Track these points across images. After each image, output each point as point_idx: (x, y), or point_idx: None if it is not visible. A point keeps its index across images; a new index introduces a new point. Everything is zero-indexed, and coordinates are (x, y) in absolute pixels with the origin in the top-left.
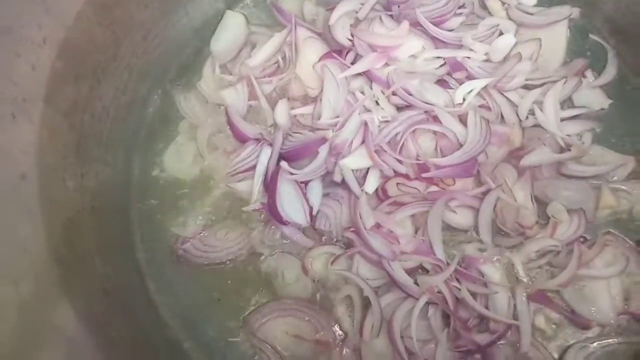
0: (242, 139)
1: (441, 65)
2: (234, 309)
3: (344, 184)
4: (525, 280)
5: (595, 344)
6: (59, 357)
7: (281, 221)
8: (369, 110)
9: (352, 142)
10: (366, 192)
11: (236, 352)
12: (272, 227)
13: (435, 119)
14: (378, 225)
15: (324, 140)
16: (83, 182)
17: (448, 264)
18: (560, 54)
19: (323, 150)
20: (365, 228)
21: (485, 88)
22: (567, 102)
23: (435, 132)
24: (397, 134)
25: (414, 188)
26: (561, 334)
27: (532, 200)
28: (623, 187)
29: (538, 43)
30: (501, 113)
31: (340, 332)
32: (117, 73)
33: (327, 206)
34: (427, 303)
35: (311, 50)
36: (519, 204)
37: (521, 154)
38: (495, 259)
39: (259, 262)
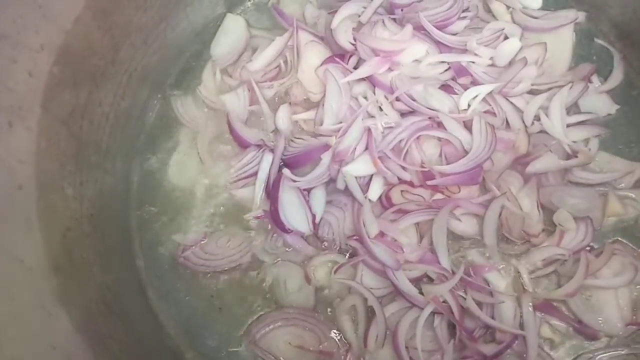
0: (243, 145)
1: (445, 70)
2: (236, 318)
3: (347, 191)
4: (531, 289)
5: (603, 354)
6: None
7: (284, 229)
8: (372, 116)
9: (355, 148)
10: (370, 200)
11: None
12: (274, 235)
13: (440, 125)
14: (382, 234)
15: (326, 146)
16: (82, 191)
17: (453, 272)
18: (566, 58)
19: (326, 157)
20: (369, 236)
21: (490, 94)
22: (573, 108)
23: (440, 139)
24: (401, 141)
25: (419, 195)
26: (568, 344)
27: (538, 207)
28: (630, 195)
29: (544, 47)
30: (506, 119)
31: (344, 342)
32: (116, 78)
33: (329, 214)
34: (433, 313)
35: (313, 55)
36: (524, 212)
37: (527, 160)
38: (500, 267)
39: (260, 271)
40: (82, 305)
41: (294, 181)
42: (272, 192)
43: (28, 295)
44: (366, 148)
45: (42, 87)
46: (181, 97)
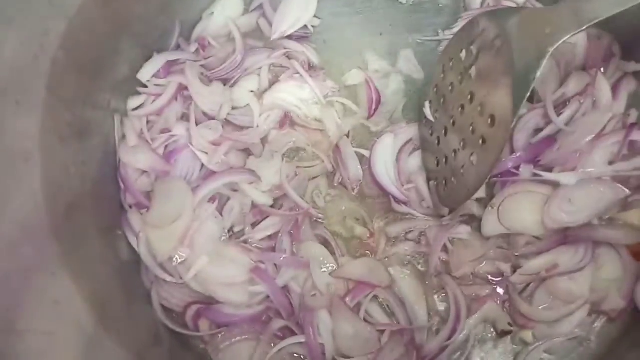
0: None
1: None
2: None
3: None
4: None
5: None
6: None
7: None
8: None
9: None
10: None
11: None
12: None
13: None
14: None
15: None
16: (84, 169)
17: None
18: None
19: None
20: None
21: None
22: None
23: None
24: None
25: None
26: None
27: None
28: None
29: None
30: None
31: None
32: (118, 65)
33: None
34: None
35: None
36: None
37: None
38: None
39: None
40: (83, 273)
41: None
42: None
43: (31, 256)
44: None
45: (47, 71)
46: None
